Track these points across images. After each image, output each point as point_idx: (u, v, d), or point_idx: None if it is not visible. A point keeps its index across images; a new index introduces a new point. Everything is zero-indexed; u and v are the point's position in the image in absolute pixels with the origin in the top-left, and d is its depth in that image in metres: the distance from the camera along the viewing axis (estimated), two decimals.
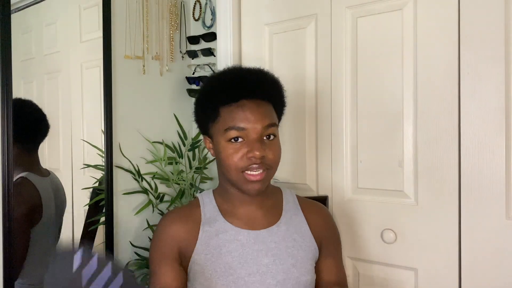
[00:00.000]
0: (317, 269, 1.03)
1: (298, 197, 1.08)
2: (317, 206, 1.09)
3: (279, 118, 1.01)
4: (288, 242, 0.98)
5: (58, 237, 1.44)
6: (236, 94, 0.92)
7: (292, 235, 0.99)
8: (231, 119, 0.91)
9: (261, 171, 0.91)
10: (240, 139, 0.91)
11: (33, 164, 1.33)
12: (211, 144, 0.98)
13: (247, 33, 1.66)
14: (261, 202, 1.00)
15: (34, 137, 1.34)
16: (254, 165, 0.90)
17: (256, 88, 0.94)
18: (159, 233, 0.99)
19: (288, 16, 1.54)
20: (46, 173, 1.39)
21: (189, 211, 1.01)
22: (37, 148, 1.37)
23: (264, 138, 0.92)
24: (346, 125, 1.41)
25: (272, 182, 1.04)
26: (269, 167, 0.92)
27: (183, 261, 0.97)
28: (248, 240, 0.96)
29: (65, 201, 1.45)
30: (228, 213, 0.99)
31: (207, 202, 1.02)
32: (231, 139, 0.91)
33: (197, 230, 0.97)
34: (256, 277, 0.94)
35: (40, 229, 1.30)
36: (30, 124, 1.30)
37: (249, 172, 0.91)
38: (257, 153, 0.89)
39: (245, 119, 0.90)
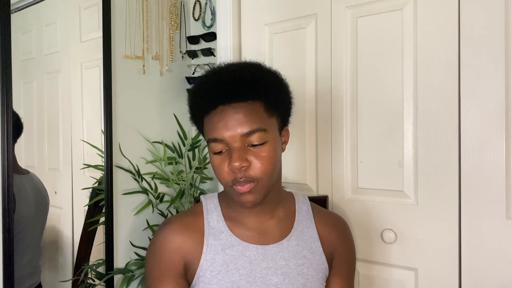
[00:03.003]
0: None
1: (313, 206, 1.00)
2: (333, 219, 1.00)
3: (283, 112, 0.91)
4: (298, 259, 0.90)
5: (41, 234, 1.44)
6: (213, 102, 0.83)
7: (303, 251, 0.91)
8: (210, 130, 0.83)
9: (246, 185, 0.81)
10: (224, 150, 0.83)
11: None
12: None
13: (247, 32, 1.66)
14: (273, 211, 0.92)
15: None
16: (239, 179, 0.81)
17: (231, 91, 0.82)
18: (161, 244, 0.88)
19: (288, 16, 1.54)
20: (24, 172, 1.39)
21: (192, 220, 0.91)
22: (13, 147, 1.36)
23: (254, 144, 0.81)
24: (346, 125, 1.41)
25: None
26: (255, 178, 0.81)
27: (188, 277, 0.88)
28: (257, 257, 0.88)
29: (48, 199, 1.45)
30: (235, 223, 0.91)
31: (211, 209, 0.93)
32: (215, 152, 0.83)
33: (201, 242, 0.88)
34: None
35: (16, 225, 1.29)
36: None
37: (237, 185, 0.82)
38: (236, 164, 0.79)
39: (222, 128, 0.81)
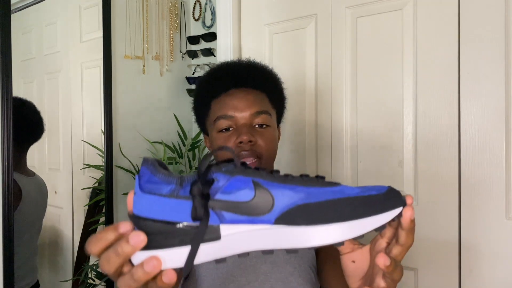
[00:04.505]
0: (324, 278, 0.93)
1: None
2: None
3: (280, 111, 0.99)
4: None
5: (38, 234, 1.45)
6: (225, 85, 0.91)
7: None
8: (220, 109, 0.89)
9: (252, 158, 0.86)
10: (230, 129, 0.89)
11: (20, 164, 1.34)
12: (209, 143, 0.96)
13: (247, 33, 1.66)
14: None
15: (27, 139, 1.35)
16: (244, 152, 0.86)
17: (245, 77, 0.91)
18: None
19: (288, 16, 1.54)
20: (31, 174, 1.40)
21: None
22: (27, 150, 1.37)
23: (256, 126, 0.89)
24: (346, 125, 1.41)
25: None
26: (260, 155, 0.88)
27: None
28: None
29: (46, 202, 1.46)
30: None
31: None
32: (222, 129, 0.89)
33: None
34: (255, 284, 0.88)
35: (17, 225, 1.30)
36: (27, 125, 1.31)
37: (240, 159, 0.86)
38: (245, 137, 0.85)
39: (233, 107, 0.88)
